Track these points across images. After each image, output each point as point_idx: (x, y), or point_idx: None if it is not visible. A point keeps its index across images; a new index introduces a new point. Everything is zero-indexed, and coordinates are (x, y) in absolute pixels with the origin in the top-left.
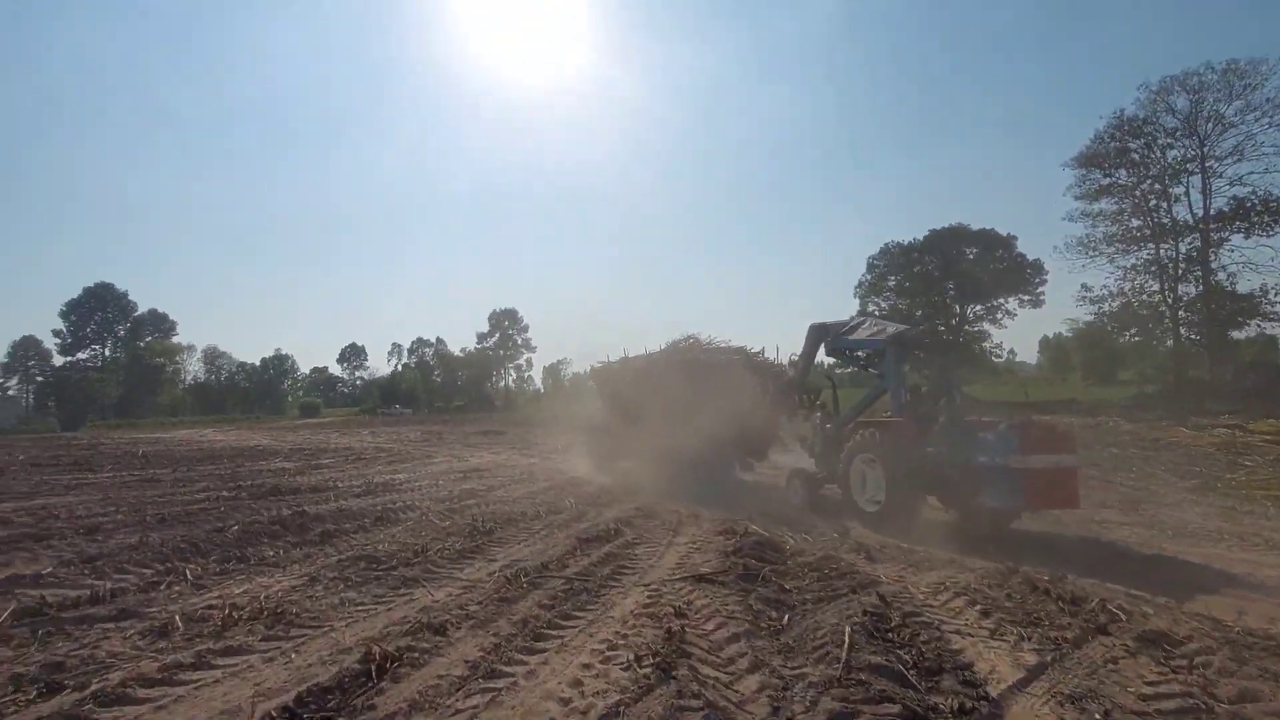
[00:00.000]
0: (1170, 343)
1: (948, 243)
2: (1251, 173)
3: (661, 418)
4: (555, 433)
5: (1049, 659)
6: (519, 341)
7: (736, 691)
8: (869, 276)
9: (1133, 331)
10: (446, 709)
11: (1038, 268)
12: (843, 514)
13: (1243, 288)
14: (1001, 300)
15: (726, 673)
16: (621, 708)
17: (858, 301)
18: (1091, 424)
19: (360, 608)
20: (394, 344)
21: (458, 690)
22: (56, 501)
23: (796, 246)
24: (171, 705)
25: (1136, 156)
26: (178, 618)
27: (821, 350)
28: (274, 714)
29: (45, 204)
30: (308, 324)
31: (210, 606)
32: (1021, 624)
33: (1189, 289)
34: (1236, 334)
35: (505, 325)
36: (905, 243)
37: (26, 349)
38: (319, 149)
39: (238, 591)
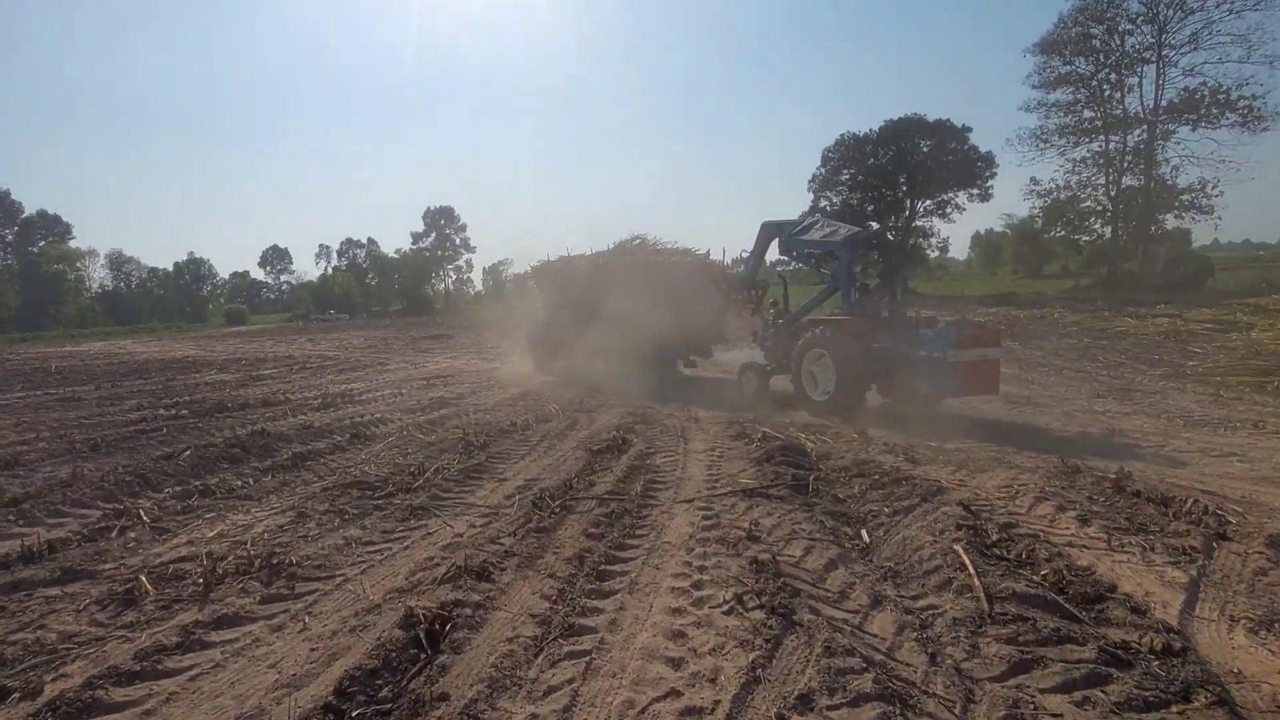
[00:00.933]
0: (1109, 235)
1: (903, 134)
2: (1205, 63)
3: (611, 316)
4: (507, 335)
5: (1194, 574)
6: (457, 241)
7: (877, 637)
8: (823, 170)
9: (1070, 222)
10: (537, 688)
11: (989, 161)
12: (794, 404)
13: (1183, 181)
14: (951, 194)
15: (848, 610)
16: (759, 671)
17: (811, 196)
18: (1037, 315)
19: (371, 548)
20: (321, 245)
21: (537, 657)
22: None
23: (745, 141)
24: (163, 710)
25: (1097, 43)
26: (143, 577)
27: (773, 248)
28: (311, 715)
29: None
30: (221, 226)
31: (183, 559)
32: (1131, 531)
33: (1132, 182)
34: (1167, 227)
35: (442, 224)
36: (861, 134)
37: None
38: (229, 32)
39: (210, 535)
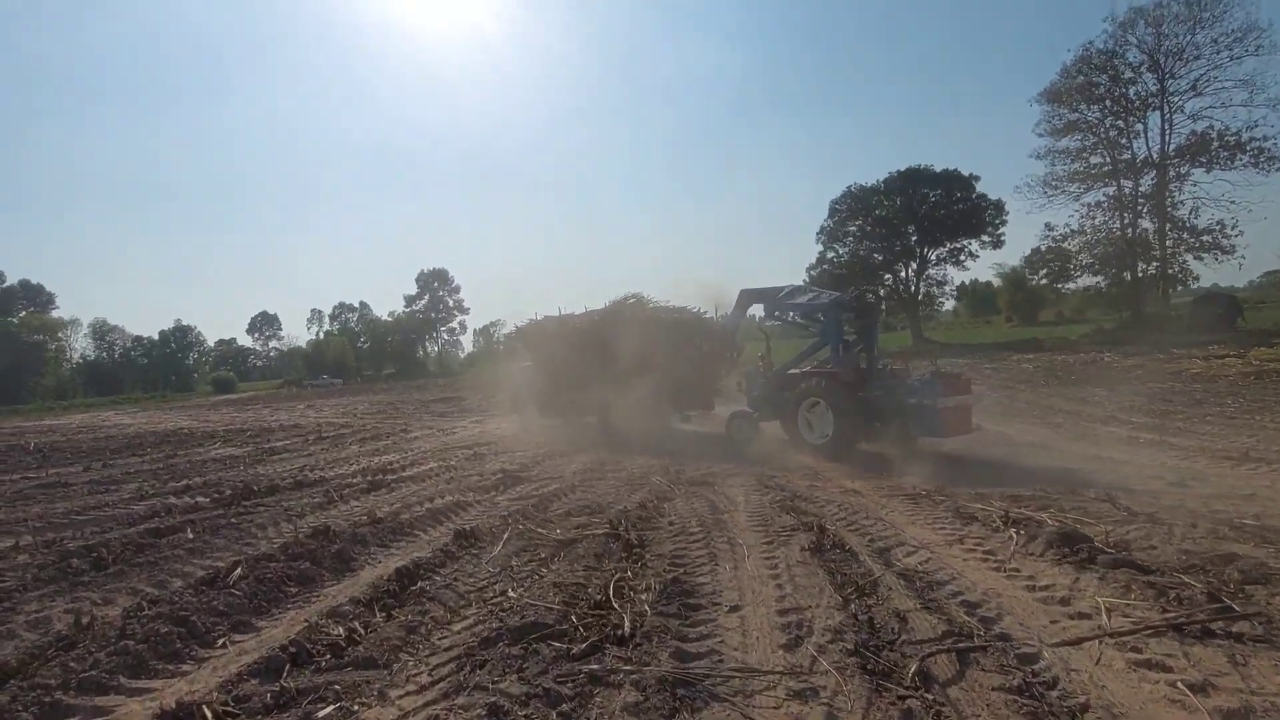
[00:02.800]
0: (1128, 278)
1: (911, 184)
2: (1210, 107)
3: (609, 373)
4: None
5: None
6: (450, 303)
7: None
8: (830, 221)
9: (1087, 267)
10: None
11: (999, 208)
12: (787, 450)
13: (1202, 222)
14: (965, 242)
15: None
16: None
17: (820, 247)
18: (1087, 359)
19: None
20: (314, 310)
21: None
22: None
23: (744, 197)
24: None
25: (1102, 91)
26: None
27: (755, 309)
28: None
29: None
30: (208, 293)
31: None
32: None
33: (1148, 224)
34: (1196, 268)
35: (435, 287)
36: (868, 185)
37: None
38: (209, 100)
39: None
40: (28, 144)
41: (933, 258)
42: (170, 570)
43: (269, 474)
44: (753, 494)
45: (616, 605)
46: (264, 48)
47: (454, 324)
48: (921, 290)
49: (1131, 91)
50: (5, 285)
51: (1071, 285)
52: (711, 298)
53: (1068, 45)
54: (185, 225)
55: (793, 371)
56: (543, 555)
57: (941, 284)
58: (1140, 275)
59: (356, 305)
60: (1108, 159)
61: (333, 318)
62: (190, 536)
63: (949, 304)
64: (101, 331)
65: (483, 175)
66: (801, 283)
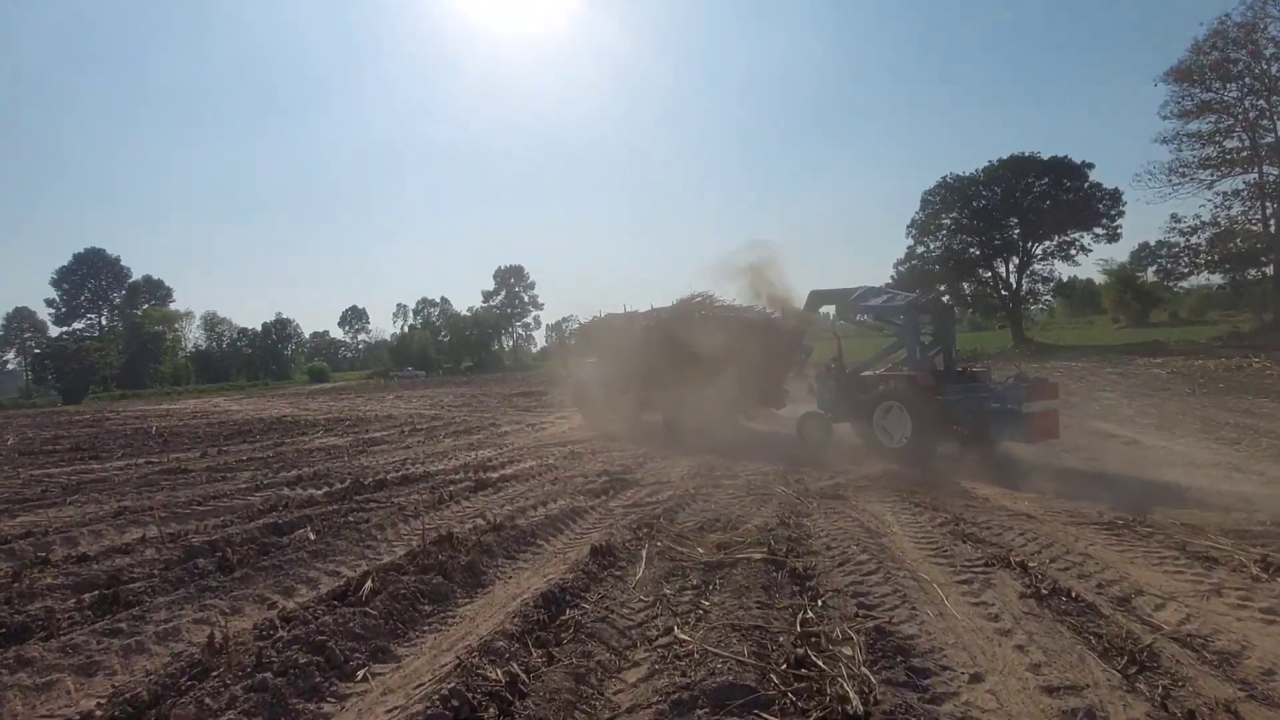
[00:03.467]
0: (1266, 273)
1: (1014, 173)
2: None
3: (677, 371)
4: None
5: None
6: (526, 299)
7: None
8: (922, 214)
9: (1216, 264)
10: None
11: (1115, 198)
12: (859, 452)
13: None
14: (1076, 235)
15: None
16: None
17: (910, 241)
18: (1232, 366)
19: None
20: (399, 304)
21: None
22: (49, 517)
23: (822, 194)
24: None
25: (1240, 68)
26: None
27: (826, 310)
28: None
29: (31, 171)
30: (304, 288)
31: None
32: None
33: None
34: None
35: (511, 283)
36: (966, 175)
37: (21, 321)
38: (306, 111)
39: None
40: (152, 154)
41: (1038, 252)
42: (296, 576)
43: (373, 466)
44: (902, 513)
45: (823, 664)
46: (354, 63)
47: (529, 319)
48: (1025, 287)
49: (1275, 69)
50: (131, 280)
51: (1184, 284)
52: (777, 296)
53: (1199, 18)
54: (285, 226)
55: (866, 374)
56: (695, 582)
57: (1047, 280)
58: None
59: (438, 300)
60: (1247, 142)
61: (416, 312)
62: (312, 537)
63: (1048, 301)
64: (212, 323)
65: (558, 174)
66: (888, 281)
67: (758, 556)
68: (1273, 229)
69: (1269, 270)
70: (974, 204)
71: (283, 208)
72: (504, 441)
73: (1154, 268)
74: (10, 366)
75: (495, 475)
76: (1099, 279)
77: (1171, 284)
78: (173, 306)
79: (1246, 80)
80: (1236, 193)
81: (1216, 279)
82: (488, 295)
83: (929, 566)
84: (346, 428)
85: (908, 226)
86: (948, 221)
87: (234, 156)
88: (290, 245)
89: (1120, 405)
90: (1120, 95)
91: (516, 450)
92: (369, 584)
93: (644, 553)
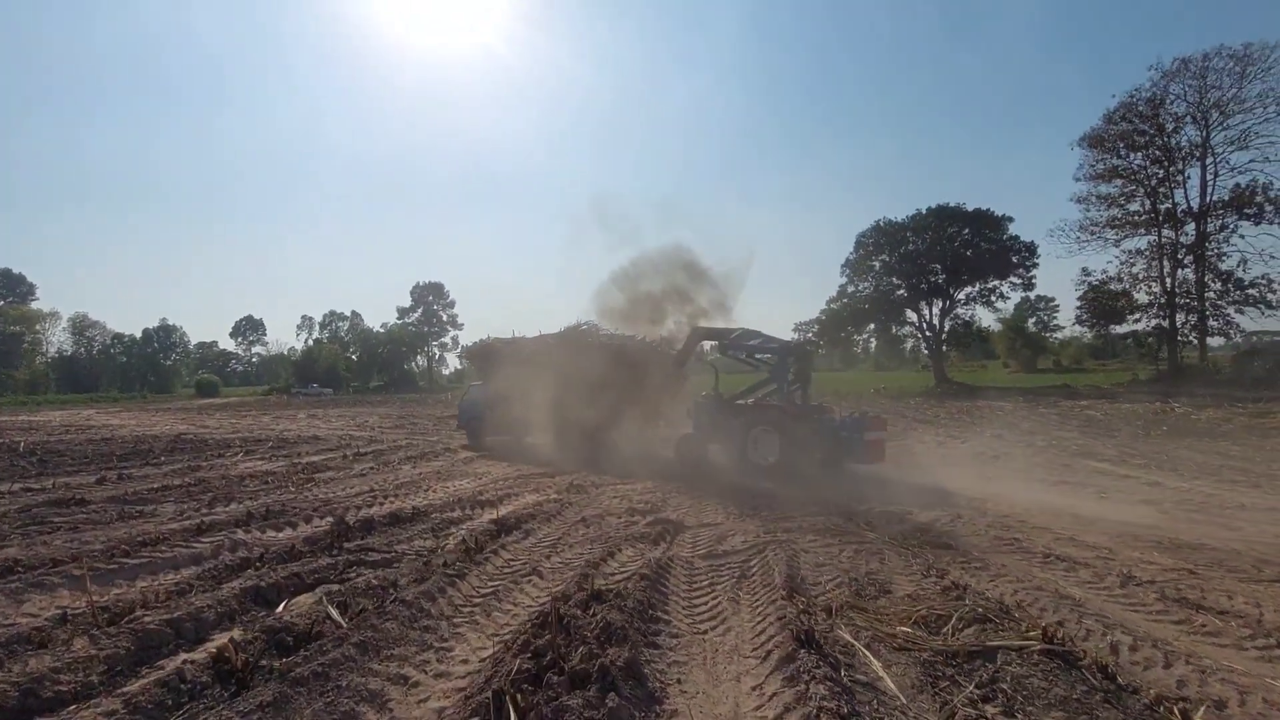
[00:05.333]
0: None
1: (941, 222)
2: (1253, 161)
3: (560, 394)
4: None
5: None
6: (445, 318)
7: None
8: (855, 255)
9: (1115, 312)
10: None
11: (1031, 250)
12: (726, 471)
13: (1250, 275)
14: (996, 283)
15: None
16: None
17: (844, 280)
18: (1154, 410)
19: None
20: (304, 316)
21: None
22: None
23: (767, 223)
24: None
25: (1144, 139)
26: None
27: (704, 345)
28: None
29: None
30: (191, 294)
31: None
32: None
33: (1188, 274)
34: (1240, 320)
35: (430, 300)
36: (897, 220)
37: None
38: (209, 105)
39: None
40: (19, 136)
41: (961, 297)
42: (360, 695)
43: (336, 500)
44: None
45: None
46: (266, 58)
47: (446, 339)
48: (945, 328)
49: (1174, 141)
50: None
51: (1121, 328)
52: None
53: (1112, 91)
54: (172, 225)
55: (740, 403)
56: (975, 693)
57: (969, 324)
58: (1179, 325)
59: (348, 314)
60: (1148, 206)
61: (323, 325)
62: (336, 616)
63: (963, 346)
64: (81, 326)
65: (484, 193)
66: (746, 329)
67: (1020, 645)
68: (1168, 285)
69: (1164, 324)
70: (903, 248)
71: (171, 206)
72: (473, 470)
73: (1033, 319)
74: None
75: (500, 513)
76: (994, 326)
77: (1049, 335)
78: (34, 305)
79: (1150, 150)
80: (1140, 251)
81: (1086, 332)
82: (403, 311)
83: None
84: (270, 450)
85: (842, 265)
86: (878, 264)
87: (117, 144)
88: (177, 246)
89: (1094, 445)
90: (1043, 154)
91: (498, 481)
92: None
93: (860, 643)
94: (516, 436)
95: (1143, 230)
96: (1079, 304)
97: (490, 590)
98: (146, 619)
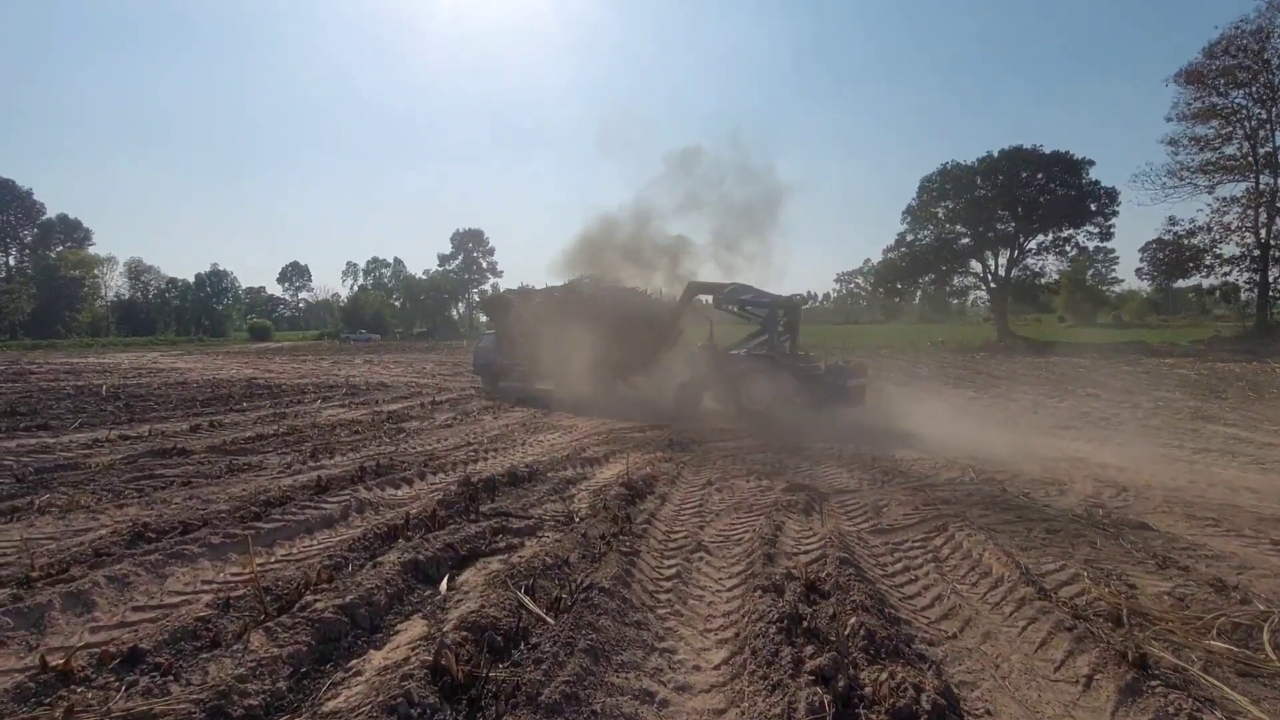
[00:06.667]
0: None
1: (1014, 165)
2: None
3: (563, 345)
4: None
5: None
6: (484, 264)
7: None
8: (918, 200)
9: (1206, 266)
10: None
11: (1111, 196)
12: (719, 415)
13: None
14: (1070, 232)
15: None
16: None
17: (904, 227)
18: (1254, 369)
19: None
20: (349, 263)
21: None
22: (7, 543)
23: (820, 169)
24: None
25: (1248, 76)
26: None
27: (700, 299)
28: None
29: None
30: (240, 240)
31: None
32: None
33: None
34: None
35: (470, 247)
36: (967, 164)
37: None
38: (260, 52)
39: None
40: (75, 83)
41: (1032, 246)
42: None
43: (434, 452)
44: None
45: None
46: (317, 6)
47: (486, 286)
48: (1014, 278)
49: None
50: (44, 218)
51: (1193, 281)
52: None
53: (1215, 22)
54: (222, 172)
55: (734, 353)
56: None
57: (1039, 275)
58: (1271, 280)
59: (391, 261)
60: (1246, 150)
61: (366, 272)
62: (550, 621)
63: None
64: (137, 271)
65: (523, 140)
66: (741, 284)
67: None
68: (1262, 236)
69: (1255, 277)
70: (970, 194)
71: (219, 153)
72: (556, 423)
73: (1090, 271)
74: None
75: (613, 472)
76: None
77: (1105, 288)
78: (91, 250)
79: (1253, 88)
80: (1234, 199)
81: (1146, 286)
82: (444, 259)
83: None
84: (345, 397)
85: (903, 213)
86: (940, 211)
87: (167, 93)
88: (225, 193)
89: (1206, 408)
90: (1126, 96)
91: (590, 436)
92: None
93: (1194, 667)
94: (526, 383)
95: (1238, 175)
96: (1145, 255)
97: (671, 572)
98: (318, 604)
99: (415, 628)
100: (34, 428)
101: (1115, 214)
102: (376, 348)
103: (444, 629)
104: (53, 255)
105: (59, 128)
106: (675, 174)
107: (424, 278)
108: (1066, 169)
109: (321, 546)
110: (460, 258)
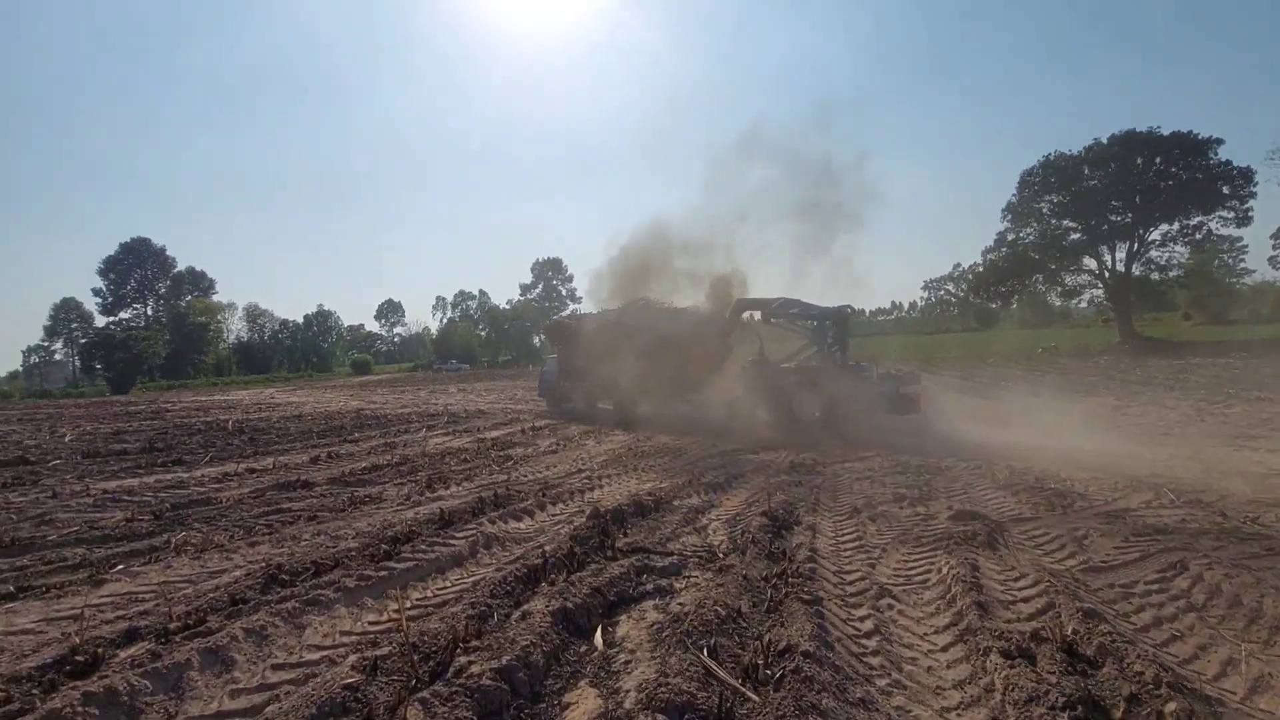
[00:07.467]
0: None
1: (1129, 151)
2: None
3: (618, 366)
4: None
5: None
6: (564, 292)
7: None
8: (1017, 197)
9: None
10: None
11: (1246, 177)
12: (771, 428)
13: None
14: (1200, 219)
15: None
16: None
17: (1005, 226)
18: None
19: None
20: (438, 297)
21: None
22: (151, 581)
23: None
24: None
25: None
26: None
27: (747, 315)
28: None
29: (77, 163)
30: (339, 281)
31: None
32: None
33: None
34: None
35: (549, 275)
36: (1073, 153)
37: (68, 311)
38: (339, 107)
39: None
40: (198, 145)
41: (1156, 237)
42: None
43: (547, 480)
44: None
45: None
46: (379, 55)
47: (566, 313)
48: (1136, 274)
49: None
50: (175, 271)
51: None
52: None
53: None
54: (318, 220)
55: (785, 366)
56: None
57: (1165, 269)
58: None
59: (475, 293)
60: None
61: (454, 305)
62: (752, 696)
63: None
64: (254, 315)
65: (593, 168)
66: (787, 298)
67: None
68: None
69: None
70: (1078, 185)
71: (322, 200)
72: (660, 446)
73: (1215, 263)
74: (57, 356)
75: (740, 499)
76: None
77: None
78: (215, 298)
79: None
80: None
81: None
82: (525, 288)
83: None
84: (448, 425)
85: (1003, 210)
86: (1045, 206)
87: (277, 148)
88: (327, 238)
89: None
90: (1253, 63)
91: (701, 460)
92: None
93: None
94: (589, 403)
95: None
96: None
97: (868, 626)
98: (473, 667)
99: (587, 700)
100: (169, 463)
101: (1253, 195)
102: (467, 377)
103: (624, 704)
104: (183, 304)
105: (184, 187)
106: (742, 171)
107: (507, 308)
108: (1189, 150)
109: (456, 589)
110: (540, 286)
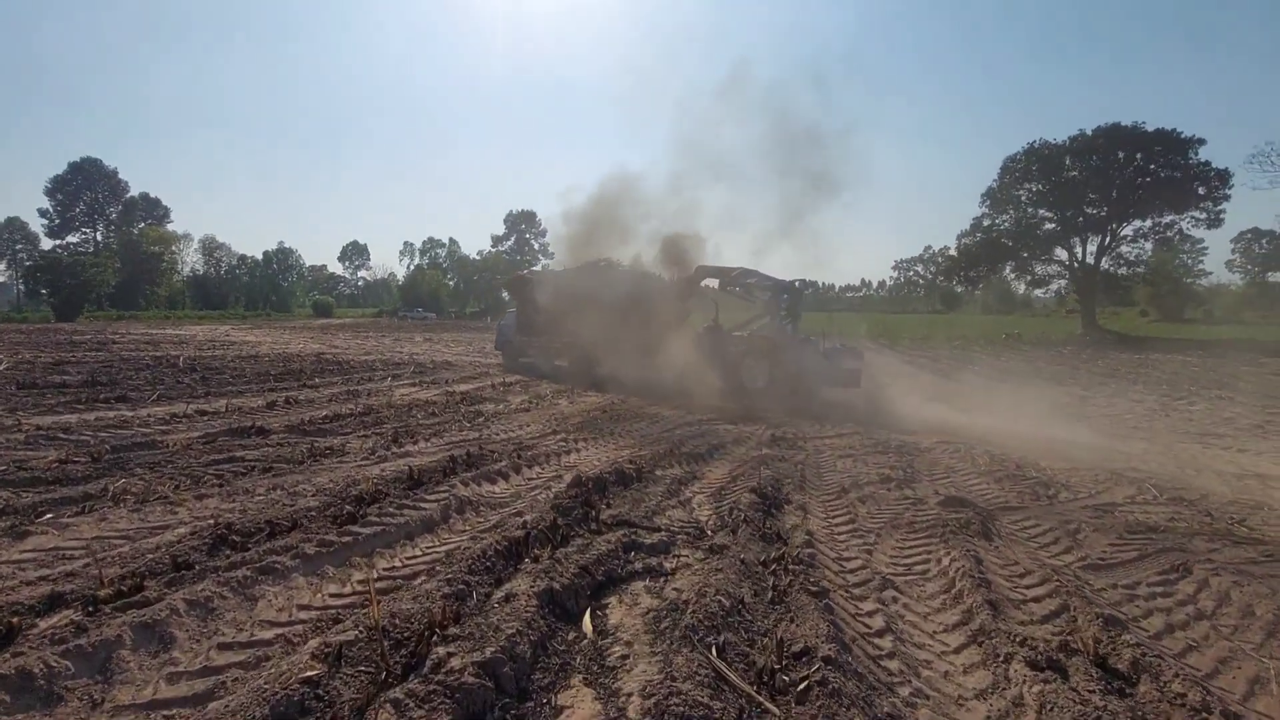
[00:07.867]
0: None
1: (1111, 144)
2: None
3: (575, 324)
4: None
5: None
6: (536, 246)
7: None
8: (998, 182)
9: None
10: None
11: (1223, 179)
12: (721, 395)
13: None
14: (1172, 218)
15: None
16: None
17: (982, 210)
18: None
19: None
20: (405, 242)
21: None
22: (84, 534)
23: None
24: None
25: None
26: None
27: (706, 282)
28: None
29: (26, 76)
30: (304, 219)
31: None
32: None
33: None
34: None
35: (522, 228)
36: (1057, 142)
37: (12, 231)
38: (318, 36)
39: None
40: (155, 68)
41: (1128, 233)
42: None
43: (520, 440)
44: None
45: None
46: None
47: (538, 267)
48: (1104, 267)
49: None
50: (128, 196)
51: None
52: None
53: None
54: (287, 154)
55: (737, 334)
56: None
57: (1133, 264)
58: None
59: (445, 241)
60: None
61: (422, 252)
62: (773, 710)
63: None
64: (210, 248)
65: (574, 120)
66: (746, 268)
67: None
68: None
69: None
70: (1058, 175)
71: (286, 136)
72: (640, 411)
73: (1175, 261)
74: (0, 279)
75: (729, 471)
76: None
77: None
78: (170, 227)
79: None
80: None
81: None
82: (497, 240)
83: None
84: (414, 375)
85: (982, 195)
86: (1023, 194)
87: (242, 80)
88: (291, 174)
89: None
90: (1239, 68)
91: (680, 427)
92: None
93: None
94: (545, 360)
95: None
96: (1238, 245)
97: (879, 624)
98: (453, 660)
99: (583, 702)
100: (113, 399)
101: (1227, 199)
102: (433, 326)
103: (627, 712)
104: (135, 231)
105: (142, 110)
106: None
107: (477, 258)
108: (1171, 148)
109: (428, 558)
110: (513, 239)
